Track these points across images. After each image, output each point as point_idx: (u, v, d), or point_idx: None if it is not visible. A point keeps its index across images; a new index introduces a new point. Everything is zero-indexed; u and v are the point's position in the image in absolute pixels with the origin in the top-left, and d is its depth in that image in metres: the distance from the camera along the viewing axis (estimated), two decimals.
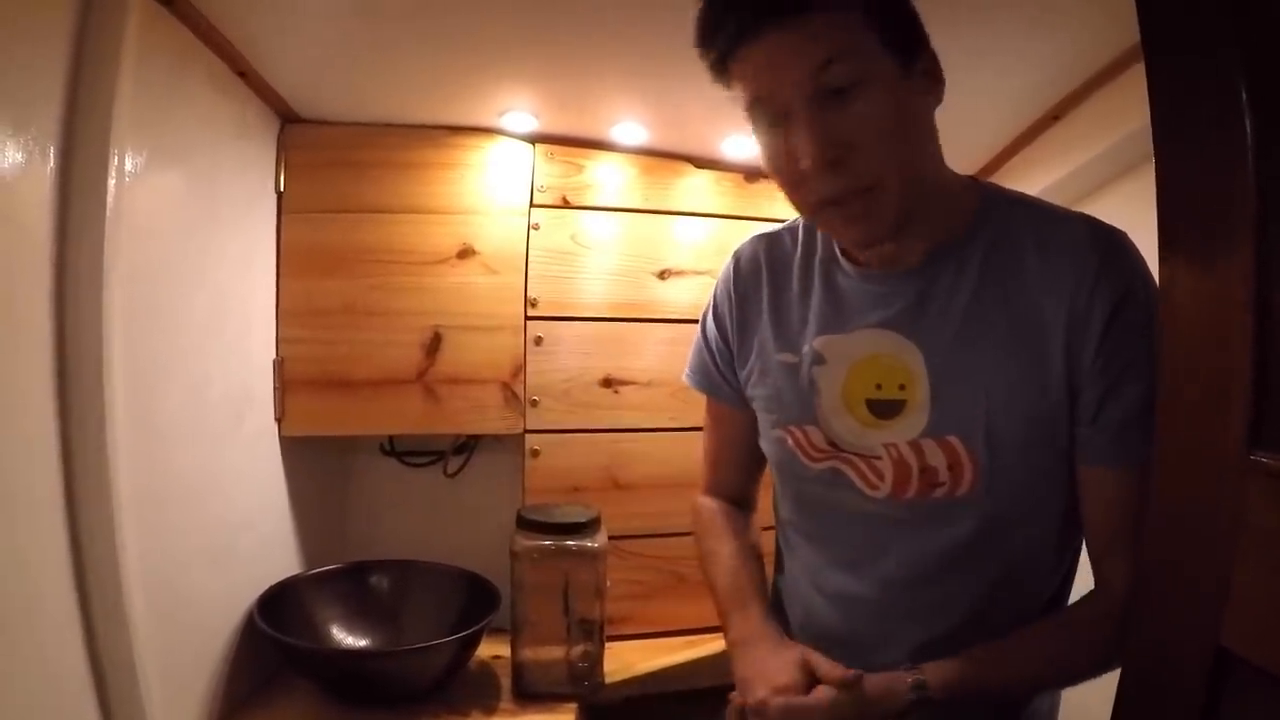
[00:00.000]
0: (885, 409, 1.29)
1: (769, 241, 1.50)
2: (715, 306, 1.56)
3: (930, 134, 1.23)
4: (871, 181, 1.14)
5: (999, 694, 1.26)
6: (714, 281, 1.57)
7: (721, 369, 1.55)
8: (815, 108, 1.12)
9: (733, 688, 1.60)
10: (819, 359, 1.35)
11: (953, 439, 1.24)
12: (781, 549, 1.59)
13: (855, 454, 1.33)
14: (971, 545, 1.27)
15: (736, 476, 1.64)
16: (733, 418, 1.57)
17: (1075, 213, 1.27)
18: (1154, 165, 0.91)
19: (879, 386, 1.30)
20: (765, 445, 1.49)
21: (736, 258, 1.54)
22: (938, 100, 1.22)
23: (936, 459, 1.26)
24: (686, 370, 1.64)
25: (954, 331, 1.24)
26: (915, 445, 1.27)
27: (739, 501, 1.65)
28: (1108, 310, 1.15)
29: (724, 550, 1.55)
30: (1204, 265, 0.84)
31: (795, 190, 1.22)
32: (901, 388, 1.28)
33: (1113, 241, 1.19)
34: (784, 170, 1.20)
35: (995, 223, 1.26)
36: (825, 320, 1.36)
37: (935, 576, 1.31)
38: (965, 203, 1.29)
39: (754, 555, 1.55)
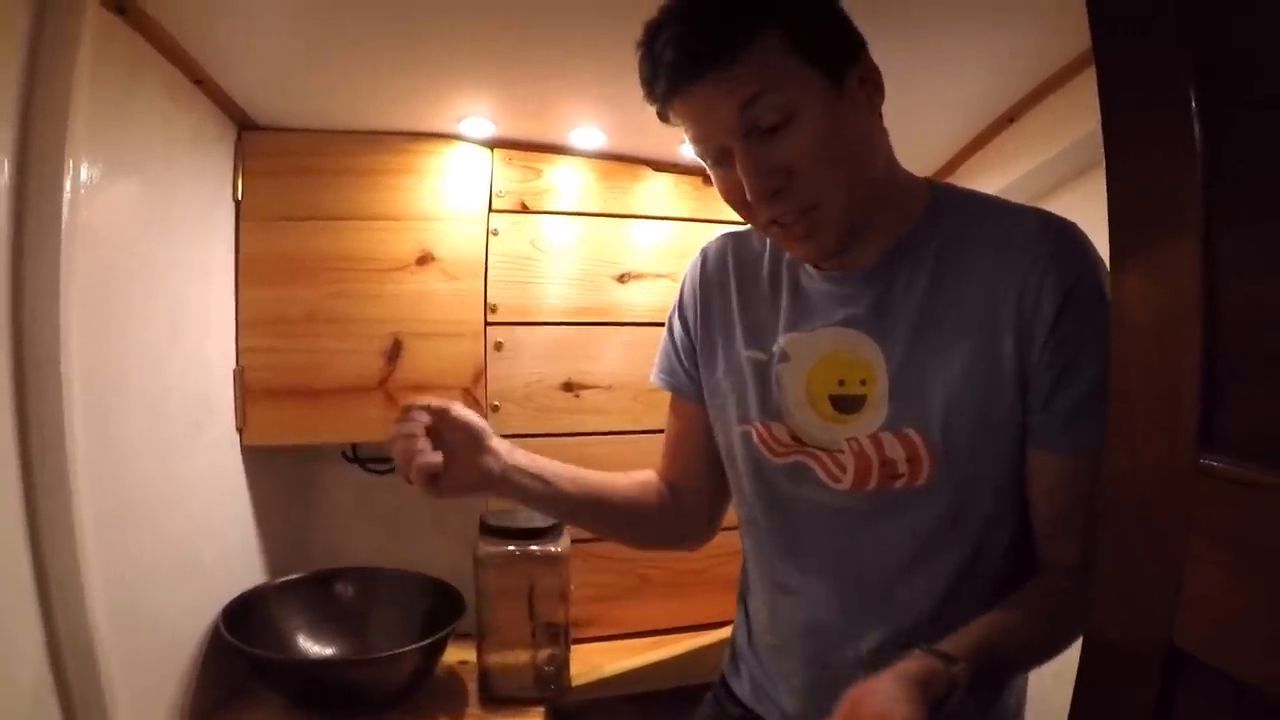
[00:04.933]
0: (847, 404, 1.32)
1: (737, 240, 1.53)
2: (681, 302, 1.58)
3: (874, 141, 1.27)
4: (811, 203, 1.20)
5: (1008, 667, 1.25)
6: (674, 285, 1.59)
7: (685, 364, 1.57)
8: (749, 143, 1.17)
9: (700, 687, 1.63)
10: (784, 356, 1.38)
11: (910, 432, 1.27)
12: (745, 551, 1.59)
13: (819, 448, 1.35)
14: (932, 536, 1.29)
15: (686, 465, 1.64)
16: (692, 413, 1.59)
17: (1026, 206, 1.31)
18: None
19: (841, 383, 1.33)
20: (727, 442, 1.50)
21: (704, 255, 1.56)
22: (878, 105, 1.26)
23: (895, 451, 1.28)
24: (654, 371, 1.65)
25: (911, 327, 1.28)
26: (875, 439, 1.29)
27: (679, 487, 1.65)
28: (1058, 300, 1.18)
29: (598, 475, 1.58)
30: (1153, 269, 0.85)
31: (744, 214, 1.27)
32: (863, 383, 1.31)
33: (1063, 232, 1.23)
34: (732, 199, 1.26)
35: (947, 219, 1.30)
36: (791, 319, 1.39)
37: (898, 570, 1.32)
38: (916, 201, 1.33)
39: (605, 491, 1.58)
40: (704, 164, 1.28)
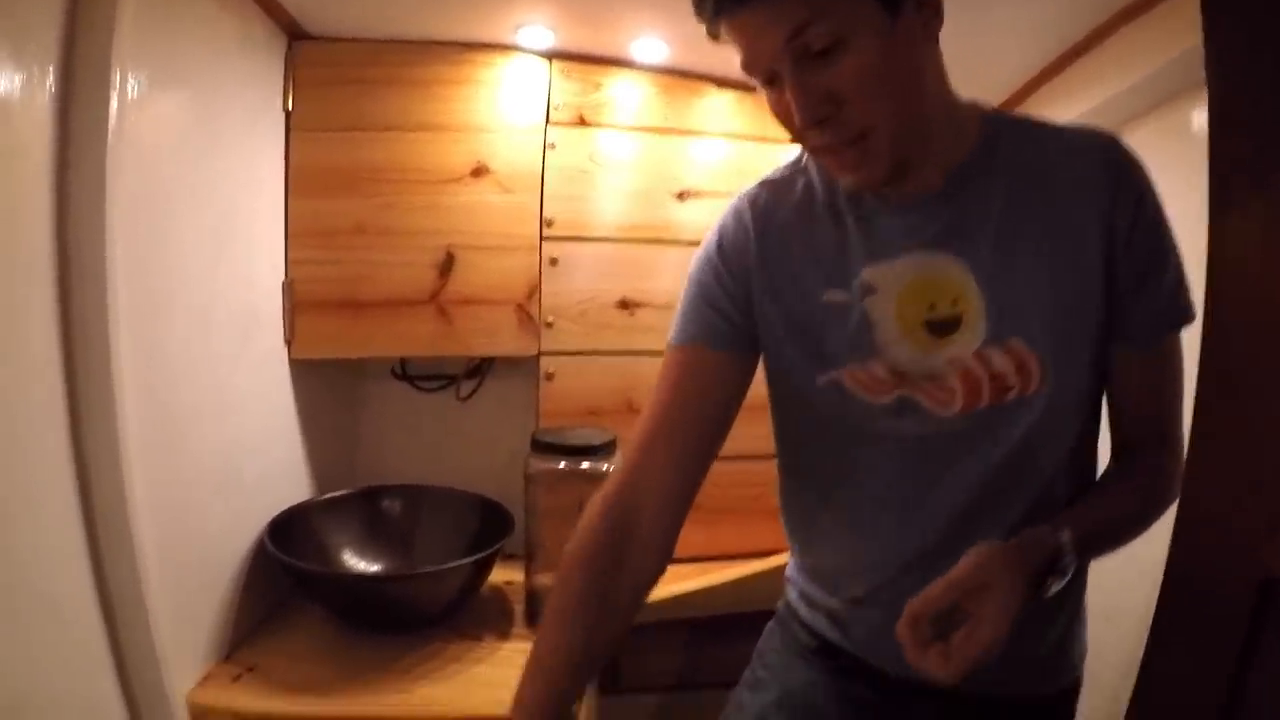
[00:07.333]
0: (943, 327, 1.30)
1: (775, 187, 1.45)
2: (720, 249, 1.44)
3: (928, 69, 1.25)
4: (861, 132, 1.18)
5: (1110, 536, 1.28)
6: None
7: (724, 310, 1.42)
8: (798, 69, 1.14)
9: (748, 615, 1.59)
10: (869, 290, 1.33)
11: (1015, 342, 1.26)
12: (809, 503, 1.51)
13: (921, 376, 1.32)
14: (1028, 446, 1.30)
15: (687, 447, 1.42)
16: (718, 365, 1.43)
17: (1076, 125, 1.34)
18: (1180, 105, 0.89)
19: (933, 306, 1.30)
20: (802, 399, 1.41)
21: (747, 201, 1.46)
22: (935, 31, 1.23)
23: (1003, 364, 1.27)
24: (673, 333, 1.47)
25: (993, 241, 1.27)
26: (980, 355, 1.28)
27: (644, 492, 1.39)
28: (1131, 208, 1.23)
29: (554, 639, 1.33)
30: (1258, 214, 0.81)
31: (797, 139, 1.26)
32: (955, 303, 1.29)
33: (1118, 144, 1.27)
34: (784, 119, 1.24)
35: (1007, 139, 1.31)
36: (867, 251, 1.34)
37: (986, 493, 1.32)
38: (971, 125, 1.32)
39: (580, 665, 1.33)
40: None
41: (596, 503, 1.40)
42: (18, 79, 1.25)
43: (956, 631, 1.08)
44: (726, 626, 2.02)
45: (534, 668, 1.31)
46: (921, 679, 1.10)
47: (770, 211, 1.43)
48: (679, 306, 1.47)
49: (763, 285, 1.40)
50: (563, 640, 1.32)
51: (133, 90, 1.46)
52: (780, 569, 1.66)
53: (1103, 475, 1.39)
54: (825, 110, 1.15)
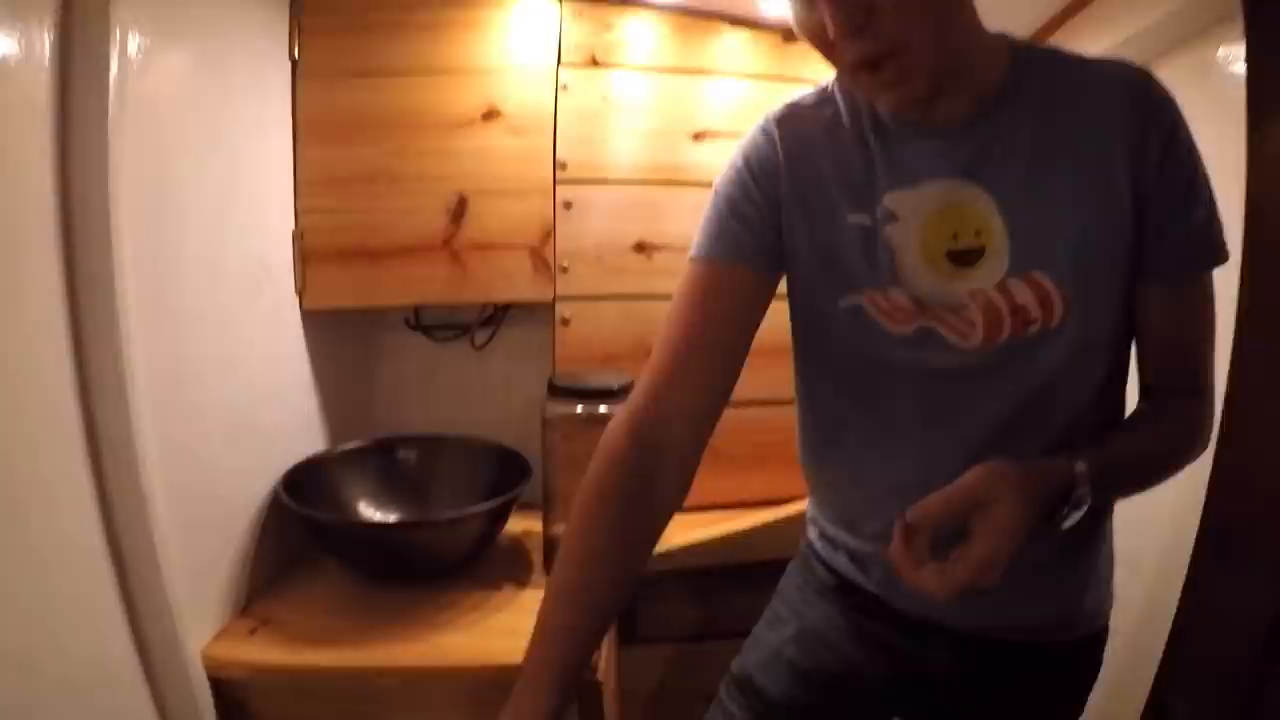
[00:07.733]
0: (965, 257, 1.28)
1: (802, 109, 1.43)
2: (747, 166, 1.42)
3: None
4: (898, 45, 1.13)
5: (1132, 476, 1.29)
6: None
7: (751, 222, 1.39)
8: None
9: (769, 563, 1.57)
10: (891, 217, 1.31)
11: (1038, 274, 1.24)
12: (821, 445, 1.51)
13: (942, 307, 1.29)
14: (1051, 383, 1.28)
15: (713, 366, 1.36)
16: (745, 281, 1.38)
17: (1104, 58, 1.31)
18: (1205, 42, 0.86)
19: (955, 236, 1.28)
20: (825, 321, 1.38)
21: (777, 119, 1.43)
22: None
23: (1025, 297, 1.25)
24: (695, 248, 1.42)
25: (1021, 172, 1.24)
26: (1002, 287, 1.26)
27: (669, 415, 1.31)
28: (1162, 140, 1.20)
29: (572, 583, 1.23)
30: None
31: (829, 55, 1.21)
32: (977, 234, 1.27)
33: (1149, 78, 1.24)
34: (815, 36, 1.19)
35: (1036, 70, 1.28)
36: (891, 178, 1.32)
37: (1008, 430, 1.30)
38: (1000, 55, 1.30)
39: (608, 601, 1.23)
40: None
41: (619, 427, 1.30)
42: (15, 35, 1.23)
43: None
44: (744, 575, 2.00)
45: (557, 604, 1.20)
46: (939, 619, 1.08)
47: (797, 129, 1.40)
48: (703, 221, 1.43)
49: (791, 198, 1.38)
50: (580, 579, 1.22)
51: (134, 44, 1.44)
52: (798, 516, 1.64)
53: (1129, 416, 1.37)
54: (860, 18, 1.11)
